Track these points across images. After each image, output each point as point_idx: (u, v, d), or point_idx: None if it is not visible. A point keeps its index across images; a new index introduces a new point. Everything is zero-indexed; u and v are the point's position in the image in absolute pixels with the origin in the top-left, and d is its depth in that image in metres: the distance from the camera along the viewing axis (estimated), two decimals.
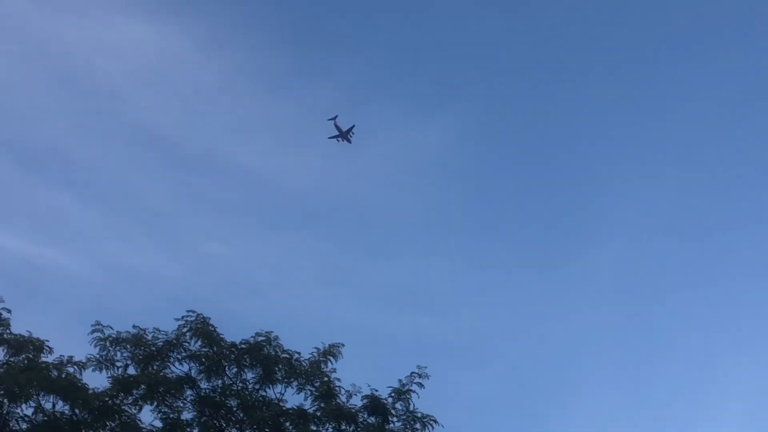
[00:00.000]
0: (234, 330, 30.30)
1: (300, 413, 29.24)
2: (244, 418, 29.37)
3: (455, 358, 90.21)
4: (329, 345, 30.61)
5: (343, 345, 30.66)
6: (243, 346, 29.65)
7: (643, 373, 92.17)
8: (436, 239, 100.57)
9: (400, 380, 29.80)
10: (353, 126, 50.79)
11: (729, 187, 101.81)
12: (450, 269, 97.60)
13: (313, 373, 30.01)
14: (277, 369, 29.69)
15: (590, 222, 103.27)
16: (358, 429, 29.44)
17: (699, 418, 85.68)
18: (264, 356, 29.50)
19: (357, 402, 29.65)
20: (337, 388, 29.69)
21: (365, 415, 29.48)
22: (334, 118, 50.21)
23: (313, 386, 29.85)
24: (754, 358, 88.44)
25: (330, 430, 29.60)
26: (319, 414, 29.44)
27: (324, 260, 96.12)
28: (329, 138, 51.68)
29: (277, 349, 29.77)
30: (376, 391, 29.59)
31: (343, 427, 29.41)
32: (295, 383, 30.03)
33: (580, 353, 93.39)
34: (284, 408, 29.49)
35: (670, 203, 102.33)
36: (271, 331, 29.93)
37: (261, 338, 29.79)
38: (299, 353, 30.23)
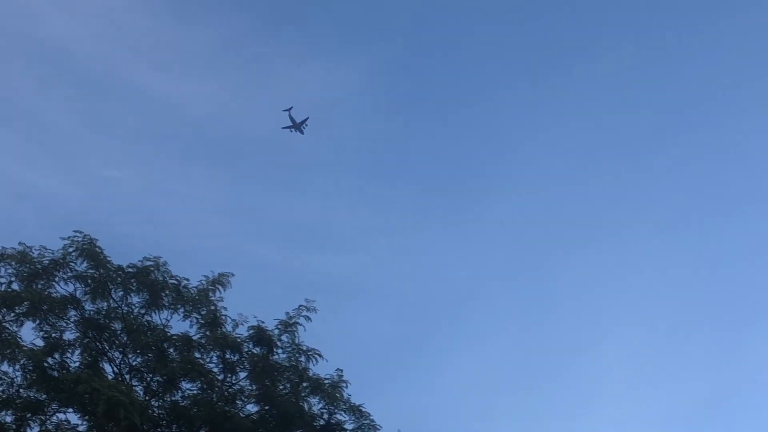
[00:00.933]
0: (127, 256, 30.00)
1: (185, 340, 29.20)
2: (128, 342, 29.20)
3: (351, 297, 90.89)
4: (219, 274, 30.49)
5: (233, 275, 30.65)
6: (130, 269, 29.32)
7: (534, 323, 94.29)
8: (340, 179, 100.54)
9: (287, 313, 29.98)
10: (307, 118, 53.10)
11: (633, 141, 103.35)
12: (352, 209, 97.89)
13: (201, 301, 29.92)
14: (163, 295, 29.48)
15: (496, 170, 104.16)
16: (243, 359, 29.53)
17: (582, 373, 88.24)
18: (151, 281, 29.24)
19: (243, 332, 29.74)
20: (223, 318, 29.69)
21: (250, 346, 29.58)
22: (289, 110, 52.33)
23: (200, 314, 29.78)
24: (641, 318, 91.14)
25: (214, 358, 29.63)
26: (203, 342, 29.42)
27: (225, 192, 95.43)
28: (283, 128, 53.46)
29: (165, 275, 29.54)
30: (263, 322, 29.75)
31: (228, 356, 29.47)
32: (181, 310, 29.91)
33: (474, 300, 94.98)
34: (169, 334, 29.38)
35: (576, 155, 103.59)
36: (160, 257, 29.70)
37: (149, 263, 29.49)
38: (188, 280, 30.10)
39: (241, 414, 29.36)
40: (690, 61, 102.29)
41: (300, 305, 29.95)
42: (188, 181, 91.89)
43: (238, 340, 29.46)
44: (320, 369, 30.09)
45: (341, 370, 29.79)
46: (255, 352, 29.58)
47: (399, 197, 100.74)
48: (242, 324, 29.77)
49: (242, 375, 29.76)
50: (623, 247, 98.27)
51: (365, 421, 29.84)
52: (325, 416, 29.77)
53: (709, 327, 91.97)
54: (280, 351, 29.69)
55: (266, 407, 29.36)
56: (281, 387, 29.53)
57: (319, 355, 29.66)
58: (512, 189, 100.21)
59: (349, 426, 29.93)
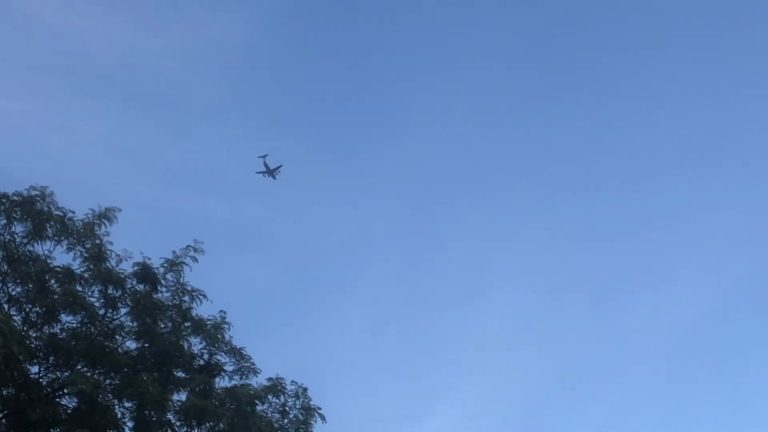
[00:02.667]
0: (12, 187, 29.42)
1: (67, 272, 28.91)
2: (8, 271, 28.79)
3: (238, 243, 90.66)
4: (105, 208, 30.22)
5: (120, 210, 30.37)
6: (15, 198, 28.82)
7: (417, 274, 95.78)
8: (233, 124, 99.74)
9: (174, 252, 29.93)
10: (281, 165, 54.52)
11: (525, 102, 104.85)
12: (242, 155, 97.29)
13: (86, 234, 29.62)
14: (48, 226, 29.08)
15: (388, 121, 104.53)
16: (125, 295, 29.43)
17: (460, 329, 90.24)
18: (36, 211, 28.79)
19: (127, 268, 29.61)
20: (108, 252, 29.47)
21: (134, 282, 29.48)
22: (264, 157, 53.84)
23: (84, 247, 29.51)
24: (522, 281, 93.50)
25: (96, 292, 29.45)
26: (87, 275, 29.19)
27: (119, 131, 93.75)
28: (257, 173, 54.58)
29: (51, 206, 29.13)
30: (149, 259, 29.67)
31: (110, 291, 29.32)
32: (65, 242, 29.57)
33: (362, 246, 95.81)
34: (51, 266, 29.05)
35: (479, 98, 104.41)
36: (47, 187, 29.23)
37: (35, 192, 29.03)
38: (73, 212, 29.73)
39: (120, 350, 29.35)
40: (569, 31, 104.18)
41: (187, 245, 29.97)
42: (77, 116, 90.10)
43: (122, 275, 29.32)
44: (203, 310, 30.31)
45: (224, 312, 30.05)
46: (138, 288, 29.50)
47: (291, 146, 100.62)
48: (127, 260, 29.66)
49: (124, 311, 29.68)
50: (510, 209, 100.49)
51: (245, 364, 30.18)
52: (206, 356, 30.00)
53: (585, 295, 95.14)
54: (164, 289, 29.71)
55: (146, 344, 29.37)
56: (162, 325, 29.55)
57: (204, 296, 29.80)
58: (404, 141, 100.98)
59: (228, 368, 30.27)
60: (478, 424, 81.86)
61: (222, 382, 29.80)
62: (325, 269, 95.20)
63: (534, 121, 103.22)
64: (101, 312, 29.34)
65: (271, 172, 56.57)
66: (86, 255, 29.38)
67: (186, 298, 29.65)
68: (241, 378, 30.00)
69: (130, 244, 30.07)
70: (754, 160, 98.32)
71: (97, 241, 29.56)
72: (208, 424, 28.31)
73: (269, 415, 29.94)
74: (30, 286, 28.79)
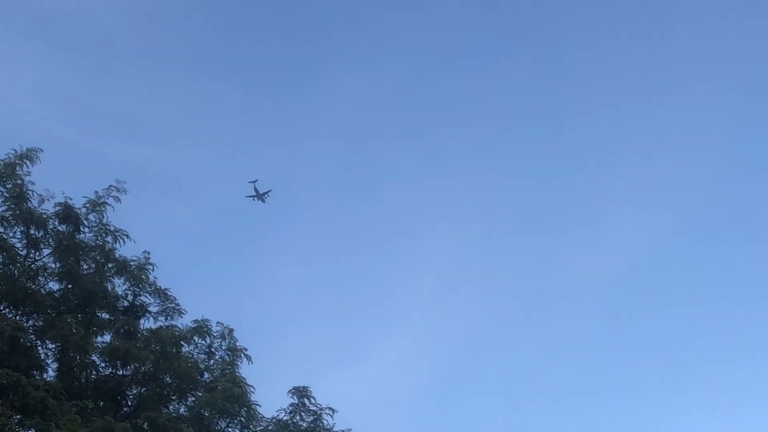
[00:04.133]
0: None
1: None
2: None
3: (168, 189, 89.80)
4: (27, 149, 29.67)
5: (42, 150, 29.83)
6: None
7: (353, 216, 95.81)
8: (168, 66, 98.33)
9: (96, 192, 29.54)
10: (269, 190, 56.88)
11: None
12: (178, 100, 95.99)
13: (7, 174, 29.08)
14: None
15: (327, 54, 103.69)
16: (48, 235, 29.04)
17: (398, 265, 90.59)
18: None
19: (49, 208, 29.17)
20: (29, 192, 28.98)
21: (56, 223, 29.08)
22: (255, 182, 56.28)
23: (5, 187, 28.97)
24: (459, 218, 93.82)
25: (18, 233, 29.00)
26: (8, 216, 28.70)
27: (45, 75, 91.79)
28: (247, 196, 56.46)
29: None
30: (71, 199, 29.24)
31: (32, 231, 28.90)
32: None
33: (297, 188, 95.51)
34: None
35: (413, 40, 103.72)
36: None
37: None
38: None
39: (42, 291, 29.01)
40: None
41: (110, 185, 29.61)
42: (2, 59, 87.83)
43: (44, 216, 28.91)
44: (127, 252, 30.03)
45: (148, 253, 29.80)
46: (60, 229, 29.12)
47: (225, 90, 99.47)
48: (49, 200, 29.27)
49: (46, 252, 29.34)
50: (446, 151, 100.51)
51: (170, 305, 30.03)
52: (130, 298, 29.79)
53: (523, 235, 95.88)
54: (86, 230, 29.37)
55: (69, 285, 29.07)
56: (86, 266, 29.25)
57: (127, 236, 29.52)
58: (338, 82, 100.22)
59: (153, 309, 30.11)
60: (415, 364, 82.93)
61: (147, 324, 29.67)
62: (259, 213, 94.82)
63: (471, 62, 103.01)
64: (23, 253, 28.92)
65: (260, 196, 59.32)
66: (7, 195, 28.87)
67: (109, 238, 29.35)
68: (166, 319, 29.91)
69: (56, 188, 29.63)
70: (689, 102, 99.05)
71: (18, 181, 29.03)
72: (132, 366, 28.19)
73: (195, 357, 29.88)
74: None
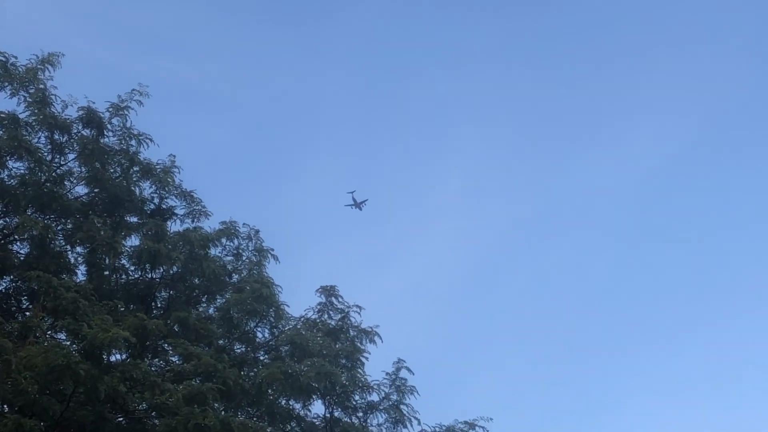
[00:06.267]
0: None
1: (12, 118, 28.37)
2: None
3: (196, 105, 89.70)
4: (48, 53, 29.59)
5: (64, 55, 29.71)
6: None
7: (377, 139, 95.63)
8: None
9: (119, 95, 29.49)
10: (366, 199, 62.36)
11: None
12: (198, 15, 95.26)
13: (29, 79, 29.02)
14: None
15: None
16: (72, 140, 29.09)
17: (420, 183, 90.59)
18: None
19: (73, 114, 29.16)
20: (52, 97, 28.96)
21: (80, 127, 29.10)
22: (353, 193, 61.90)
23: (28, 93, 28.94)
24: (480, 129, 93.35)
25: (42, 138, 29.09)
26: (31, 121, 28.72)
27: None
28: (345, 205, 62.12)
29: None
30: (93, 103, 29.20)
31: (56, 136, 28.95)
32: (8, 88, 28.98)
33: (320, 114, 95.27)
34: None
35: None
36: None
37: None
38: (16, 57, 29.10)
39: (69, 196, 29.17)
40: None
41: (132, 89, 29.53)
42: None
43: (68, 121, 28.90)
44: (153, 156, 30.07)
45: (174, 156, 29.84)
46: (85, 133, 29.13)
47: (248, 17, 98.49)
48: (72, 105, 29.19)
49: (71, 157, 29.40)
50: (469, 51, 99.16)
51: (196, 207, 30.15)
52: (156, 200, 29.93)
53: (544, 141, 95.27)
54: (110, 134, 29.37)
55: (95, 190, 29.21)
56: (111, 170, 29.33)
57: (150, 140, 29.44)
58: (360, 9, 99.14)
59: (180, 211, 30.26)
60: (441, 271, 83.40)
61: (174, 227, 29.83)
62: (287, 132, 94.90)
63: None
64: (48, 158, 29.00)
65: (358, 205, 63.24)
66: (30, 100, 28.84)
67: (133, 142, 29.36)
68: (192, 221, 30.05)
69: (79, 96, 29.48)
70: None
71: (41, 86, 28.97)
72: (161, 268, 28.41)
73: (222, 258, 30.09)
74: None
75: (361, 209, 63.24)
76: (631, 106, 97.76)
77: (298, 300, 30.31)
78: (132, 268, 28.89)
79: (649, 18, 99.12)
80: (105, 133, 29.20)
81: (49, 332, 25.96)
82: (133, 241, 28.90)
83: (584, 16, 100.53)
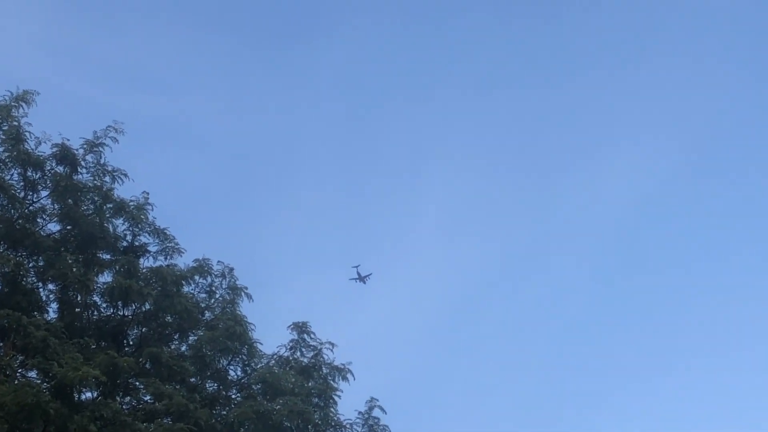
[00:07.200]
0: None
1: None
2: None
3: (172, 140, 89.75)
4: (23, 90, 29.55)
5: (38, 93, 29.70)
6: None
7: (354, 173, 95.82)
8: (166, 21, 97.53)
9: (94, 132, 29.48)
10: (371, 273, 62.90)
11: None
12: (175, 49, 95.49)
13: (2, 116, 28.99)
14: None
15: (326, 8, 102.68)
16: (45, 177, 29.03)
17: (398, 218, 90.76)
18: None
19: (47, 150, 29.13)
20: (26, 134, 28.90)
21: (53, 163, 29.07)
22: (357, 267, 62.77)
23: (1, 129, 28.89)
24: (458, 162, 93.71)
25: (15, 175, 28.99)
26: (5, 158, 28.67)
27: (49, 27, 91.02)
28: (350, 279, 62.79)
29: None
30: (68, 140, 29.21)
31: (29, 173, 28.88)
32: None
33: (298, 148, 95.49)
34: None
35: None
36: None
37: None
38: None
39: (42, 233, 29.06)
40: None
41: (108, 126, 29.53)
42: (5, 11, 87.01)
43: (41, 157, 28.87)
44: (127, 193, 30.05)
45: (147, 193, 29.81)
46: (58, 170, 29.10)
47: (228, 42, 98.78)
48: (46, 142, 29.15)
49: (44, 194, 29.34)
50: (443, 97, 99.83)
51: (169, 244, 30.10)
52: (129, 238, 29.86)
53: (522, 174, 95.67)
54: (84, 171, 29.36)
55: (68, 226, 29.13)
56: (84, 207, 29.27)
57: (125, 175, 29.50)
58: (338, 35, 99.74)
59: (153, 248, 30.19)
60: (417, 306, 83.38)
61: (147, 264, 29.76)
62: (264, 171, 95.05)
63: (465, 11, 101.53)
64: (21, 194, 28.90)
65: (362, 279, 63.80)
66: (3, 137, 28.79)
67: (107, 179, 29.35)
68: (165, 258, 29.99)
69: (55, 134, 29.46)
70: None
71: (14, 123, 28.94)
72: (134, 305, 28.32)
73: (196, 296, 30.03)
74: None
75: (365, 283, 64.27)
76: (609, 138, 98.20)
77: (272, 336, 30.28)
78: (104, 305, 28.82)
79: (625, 47, 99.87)
80: (79, 169, 29.20)
81: (19, 371, 25.80)
82: (106, 277, 28.86)
83: (560, 46, 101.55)
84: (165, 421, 25.01)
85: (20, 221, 28.52)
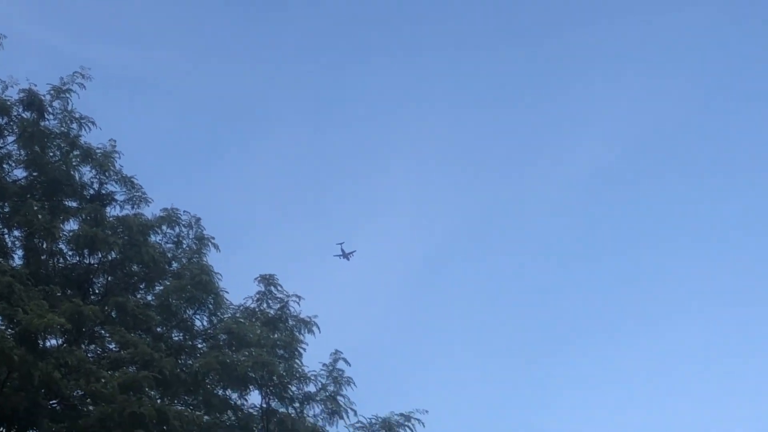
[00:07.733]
0: None
1: None
2: None
3: (140, 92, 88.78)
4: None
5: (5, 36, 29.26)
6: None
7: (325, 127, 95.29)
8: None
9: (61, 78, 29.15)
10: (354, 251, 64.29)
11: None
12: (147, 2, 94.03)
13: None
14: None
15: None
16: (11, 122, 28.74)
17: (362, 197, 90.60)
18: None
19: (13, 95, 28.82)
20: None
21: (20, 109, 28.75)
22: (341, 244, 64.27)
23: None
24: (420, 145, 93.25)
25: None
26: None
27: None
28: (334, 255, 63.90)
29: None
30: (35, 85, 28.87)
31: None
32: None
33: (264, 103, 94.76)
34: None
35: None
36: None
37: None
38: None
39: (7, 179, 28.80)
40: None
41: (74, 71, 29.19)
42: None
43: (8, 102, 28.53)
44: (95, 141, 29.79)
45: (114, 141, 29.57)
46: (25, 116, 28.78)
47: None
48: (12, 87, 28.83)
49: (10, 139, 29.02)
50: (406, 84, 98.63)
51: (137, 193, 29.93)
52: (96, 186, 29.66)
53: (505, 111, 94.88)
54: (51, 117, 29.05)
55: (34, 173, 28.89)
56: (51, 154, 29.02)
57: (93, 123, 29.21)
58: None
59: (120, 197, 30.01)
60: (389, 265, 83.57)
61: (113, 212, 29.59)
62: (231, 118, 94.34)
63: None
64: None
65: (346, 255, 64.64)
66: None
67: (74, 125, 29.06)
68: (132, 208, 29.84)
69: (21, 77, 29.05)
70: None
71: None
72: (99, 254, 28.17)
73: (163, 245, 29.91)
74: None
75: (348, 260, 64.76)
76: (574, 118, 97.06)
77: (239, 290, 30.23)
78: (70, 253, 28.66)
79: (579, 40, 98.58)
80: (46, 116, 28.88)
81: None
82: (72, 225, 28.72)
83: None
84: (130, 369, 24.97)
85: None
